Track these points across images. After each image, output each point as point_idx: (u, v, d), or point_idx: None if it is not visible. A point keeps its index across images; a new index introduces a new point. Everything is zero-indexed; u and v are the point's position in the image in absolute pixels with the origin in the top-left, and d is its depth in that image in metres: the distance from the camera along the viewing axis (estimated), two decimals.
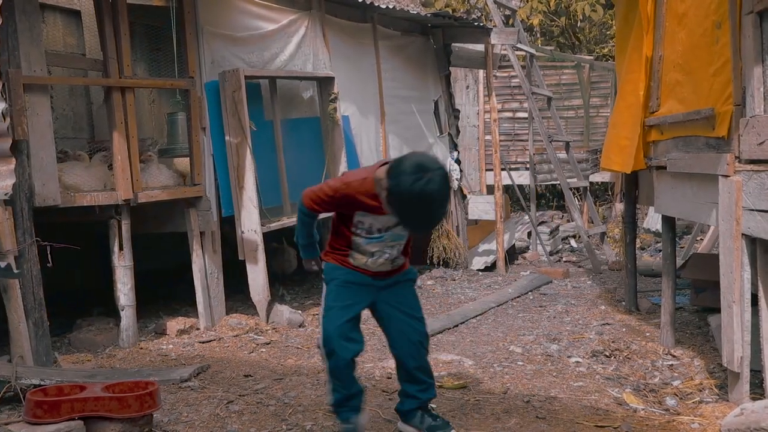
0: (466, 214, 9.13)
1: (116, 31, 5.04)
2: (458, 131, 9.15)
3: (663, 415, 3.64)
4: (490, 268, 8.50)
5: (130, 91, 5.12)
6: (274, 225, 5.84)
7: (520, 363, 4.58)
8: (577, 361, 4.57)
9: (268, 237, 5.88)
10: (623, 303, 6.20)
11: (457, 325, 5.65)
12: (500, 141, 9.39)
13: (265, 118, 6.07)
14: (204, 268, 5.60)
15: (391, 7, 7.23)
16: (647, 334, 5.21)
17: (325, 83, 6.48)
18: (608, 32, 14.92)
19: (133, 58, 5.23)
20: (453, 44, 8.78)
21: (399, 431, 3.40)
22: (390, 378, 4.21)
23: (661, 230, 5.42)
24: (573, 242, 10.68)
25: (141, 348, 5.09)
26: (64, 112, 6.50)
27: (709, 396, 3.88)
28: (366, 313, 3.32)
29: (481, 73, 11.39)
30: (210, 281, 5.64)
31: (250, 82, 5.80)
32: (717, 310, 3.96)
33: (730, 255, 3.57)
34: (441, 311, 6.19)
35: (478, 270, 8.38)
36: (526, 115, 11.45)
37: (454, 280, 7.69)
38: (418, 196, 2.74)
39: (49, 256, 4.43)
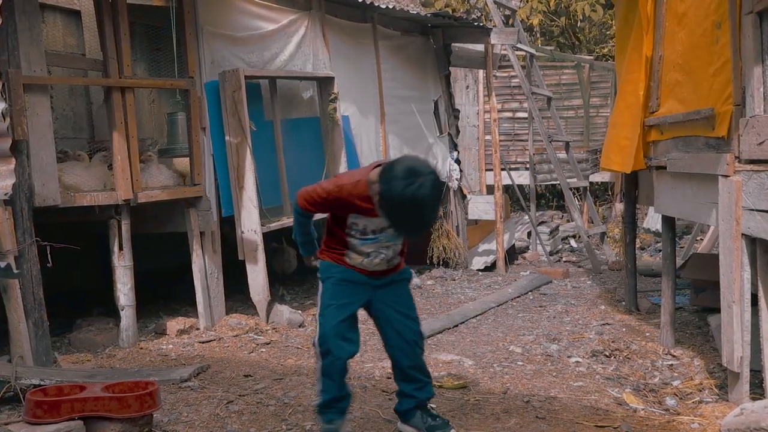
0: (466, 214, 9.13)
1: (116, 31, 5.04)
2: (458, 131, 9.15)
3: (663, 415, 3.64)
4: (490, 268, 8.50)
5: (130, 91, 5.12)
6: (274, 225, 5.85)
7: (520, 363, 4.58)
8: (577, 361, 4.57)
9: (268, 237, 5.88)
10: (623, 303, 6.20)
11: (457, 325, 5.65)
12: (500, 141, 9.39)
13: (265, 118, 6.07)
14: (204, 268, 5.60)
15: (391, 7, 7.23)
16: (647, 334, 5.21)
17: (325, 83, 6.48)
18: (608, 32, 14.91)
19: (133, 58, 5.23)
20: (453, 44, 8.78)
21: (399, 431, 3.40)
22: (390, 378, 4.20)
23: (661, 230, 5.42)
24: (573, 242, 10.68)
25: (141, 348, 5.09)
26: (64, 112, 6.50)
27: (709, 396, 3.88)
28: (366, 314, 3.32)
29: (481, 73, 11.39)
30: (210, 281, 5.64)
31: (250, 82, 5.80)
32: (717, 310, 3.96)
33: (730, 255, 3.57)
34: (441, 311, 6.19)
35: (478, 270, 8.38)
36: (526, 115, 11.45)
37: (454, 280, 7.69)
38: (409, 201, 2.74)
39: (49, 256, 4.42)
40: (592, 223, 9.76)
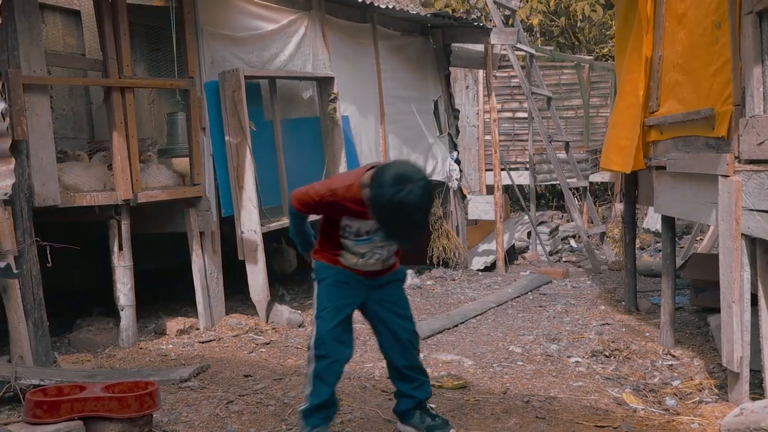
0: (466, 214, 9.13)
1: (116, 31, 5.04)
2: (458, 131, 9.15)
3: (663, 415, 3.64)
4: (490, 268, 8.50)
5: (129, 91, 5.12)
6: (274, 225, 5.85)
7: (520, 363, 4.58)
8: (577, 361, 4.57)
9: (267, 237, 5.88)
10: (623, 303, 6.20)
11: (456, 325, 5.65)
12: (500, 141, 9.38)
13: (264, 118, 6.07)
14: (204, 268, 5.60)
15: (390, 7, 7.23)
16: (647, 334, 5.21)
17: (324, 83, 6.48)
18: (608, 32, 14.92)
19: (132, 58, 5.23)
20: (453, 44, 8.78)
21: (398, 431, 3.40)
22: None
23: (660, 230, 5.42)
24: (573, 242, 10.68)
25: (141, 348, 5.09)
26: (63, 112, 6.50)
27: (709, 396, 3.88)
28: (362, 316, 3.32)
29: (481, 73, 11.39)
30: (210, 281, 5.64)
31: (250, 82, 5.80)
32: (717, 310, 3.96)
33: (729, 255, 3.57)
34: (441, 311, 6.19)
35: (478, 270, 8.38)
36: (525, 115, 11.44)
37: (454, 280, 7.69)
38: (398, 208, 2.72)
39: (49, 256, 4.42)
40: (592, 223, 9.76)
